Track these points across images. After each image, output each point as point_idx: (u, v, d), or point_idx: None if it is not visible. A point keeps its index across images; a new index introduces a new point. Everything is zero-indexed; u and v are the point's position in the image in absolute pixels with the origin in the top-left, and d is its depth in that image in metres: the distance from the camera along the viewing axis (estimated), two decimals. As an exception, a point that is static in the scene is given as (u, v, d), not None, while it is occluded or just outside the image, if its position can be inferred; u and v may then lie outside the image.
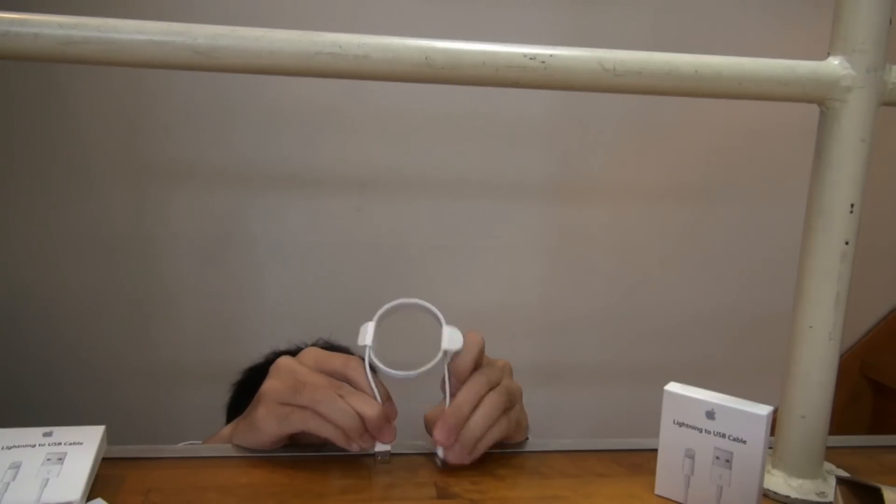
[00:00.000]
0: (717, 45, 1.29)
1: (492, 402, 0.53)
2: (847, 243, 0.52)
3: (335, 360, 0.54)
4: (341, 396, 0.51)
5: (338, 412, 0.50)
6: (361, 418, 0.51)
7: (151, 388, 1.26)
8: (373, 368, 0.54)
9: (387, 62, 0.48)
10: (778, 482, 0.54)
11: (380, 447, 0.53)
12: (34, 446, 0.50)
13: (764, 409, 0.48)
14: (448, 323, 0.54)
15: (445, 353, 0.53)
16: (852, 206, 0.52)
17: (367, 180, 1.27)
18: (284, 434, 0.54)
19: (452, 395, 0.53)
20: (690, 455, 0.50)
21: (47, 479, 0.47)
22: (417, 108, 1.26)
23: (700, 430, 0.49)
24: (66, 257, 1.22)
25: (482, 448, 0.53)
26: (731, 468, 0.48)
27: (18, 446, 0.49)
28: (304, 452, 0.58)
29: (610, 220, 1.36)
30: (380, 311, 0.55)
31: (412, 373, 0.53)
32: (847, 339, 1.47)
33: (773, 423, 0.50)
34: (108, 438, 0.53)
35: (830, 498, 0.53)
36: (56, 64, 1.12)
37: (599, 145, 1.32)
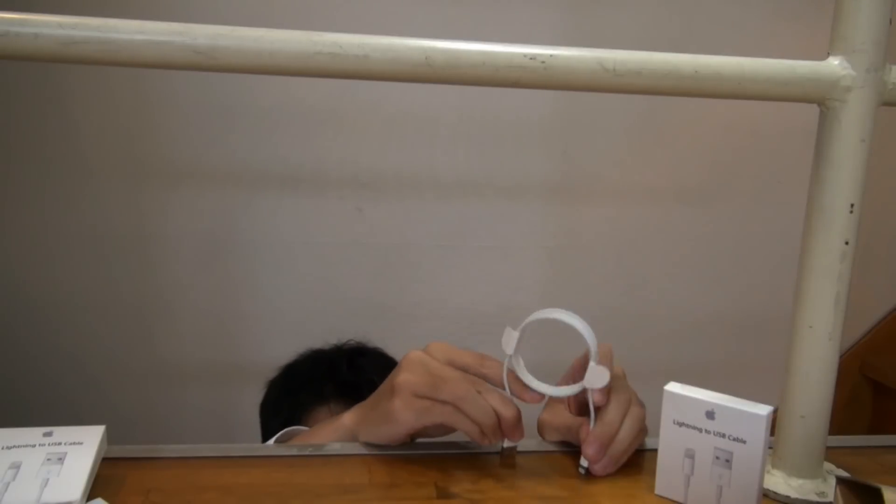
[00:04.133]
0: (717, 45, 1.29)
1: (634, 418, 0.55)
2: (847, 243, 0.52)
3: (467, 357, 0.56)
4: (480, 393, 0.53)
5: (479, 410, 0.52)
6: (498, 417, 0.53)
7: (151, 388, 1.26)
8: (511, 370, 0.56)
9: (387, 62, 0.48)
10: (778, 482, 0.54)
11: (508, 443, 0.57)
12: (34, 446, 0.50)
13: (764, 409, 0.48)
14: (595, 355, 0.54)
15: (590, 391, 0.54)
16: (852, 206, 0.52)
17: (367, 180, 1.27)
18: (421, 426, 0.55)
19: (597, 412, 0.54)
20: (690, 455, 0.50)
21: (47, 479, 0.47)
22: (417, 108, 1.26)
23: (700, 430, 0.49)
24: (65, 258, 1.22)
25: (625, 458, 0.56)
26: (731, 468, 0.48)
27: (18, 446, 0.49)
28: (304, 452, 0.58)
29: (610, 220, 1.36)
30: (526, 321, 0.55)
31: (549, 389, 0.55)
32: (847, 339, 1.47)
33: (773, 423, 0.50)
34: (108, 438, 0.53)
35: (830, 498, 0.53)
36: (56, 64, 1.12)
37: (599, 145, 1.32)
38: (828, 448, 0.55)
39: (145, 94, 1.20)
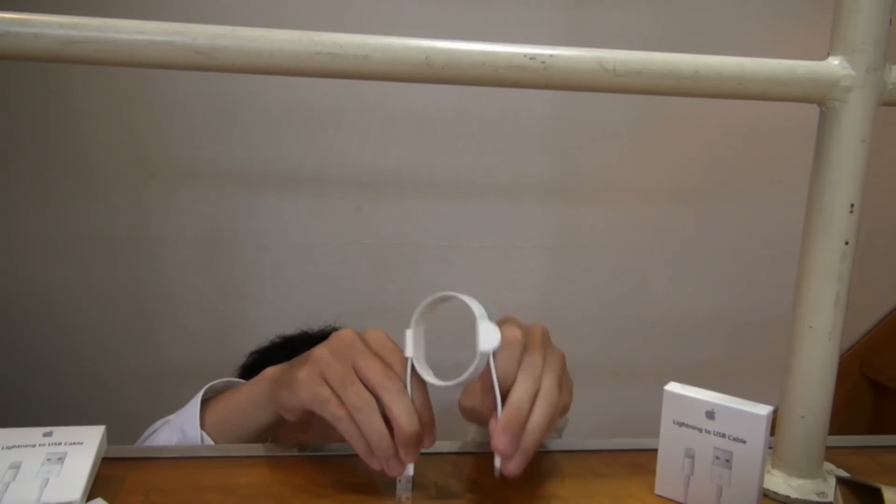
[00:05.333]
0: (718, 45, 1.29)
1: (547, 396, 0.49)
2: (847, 243, 0.52)
3: (397, 357, 0.51)
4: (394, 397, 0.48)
5: (372, 427, 0.47)
6: (393, 437, 0.48)
7: (151, 388, 1.26)
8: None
9: (387, 62, 0.48)
10: (778, 482, 0.54)
11: (406, 470, 0.49)
12: (34, 446, 0.50)
13: (764, 409, 0.48)
14: (483, 317, 0.49)
15: (483, 354, 0.48)
16: (852, 206, 0.52)
17: (367, 180, 1.27)
18: (312, 412, 0.52)
19: (503, 396, 0.48)
20: (690, 455, 0.50)
21: (47, 479, 0.47)
22: (418, 108, 1.26)
23: (700, 430, 0.49)
24: (66, 257, 1.22)
25: (538, 444, 0.49)
26: (731, 468, 0.48)
27: (18, 446, 0.49)
28: (304, 452, 0.58)
29: (610, 220, 1.36)
30: (415, 314, 0.51)
31: (451, 382, 0.49)
32: (847, 339, 1.47)
33: (773, 423, 0.50)
34: (109, 438, 0.53)
35: (830, 498, 0.53)
36: (56, 64, 1.12)
37: (599, 145, 1.32)
38: (828, 448, 0.55)
39: (146, 94, 1.20)
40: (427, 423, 0.49)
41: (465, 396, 0.56)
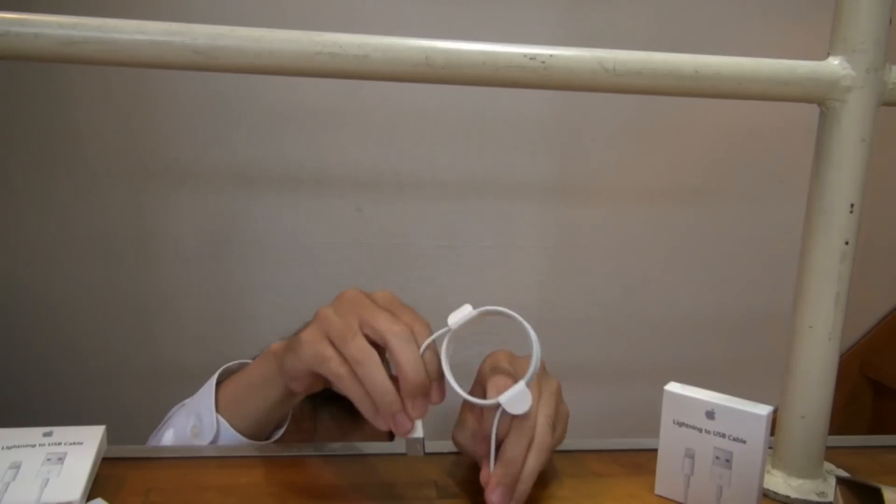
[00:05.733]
0: (717, 45, 1.29)
1: (540, 446, 0.48)
2: (847, 243, 0.52)
3: (406, 313, 0.50)
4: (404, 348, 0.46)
5: (375, 382, 0.45)
6: (398, 386, 0.46)
7: (152, 388, 1.26)
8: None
9: (387, 62, 0.48)
10: (778, 482, 0.54)
11: (414, 433, 0.47)
12: (34, 446, 0.50)
13: (764, 409, 0.48)
14: (527, 377, 0.46)
15: (502, 409, 0.46)
16: (852, 206, 0.52)
17: (367, 180, 1.27)
18: (314, 373, 0.50)
19: (497, 445, 0.47)
20: (690, 455, 0.50)
21: (47, 479, 0.47)
22: (417, 108, 1.26)
23: (700, 430, 0.49)
24: (67, 257, 1.22)
25: (530, 490, 0.49)
26: (731, 468, 0.48)
27: (18, 446, 0.49)
28: (304, 452, 0.58)
29: (610, 220, 1.36)
30: (490, 308, 0.48)
31: (464, 394, 0.48)
32: (847, 339, 1.47)
33: (773, 423, 0.50)
34: (109, 438, 0.53)
35: (830, 498, 0.53)
36: (54, 64, 1.12)
37: (599, 145, 1.32)
38: (828, 448, 0.55)
39: (146, 94, 1.20)
40: (434, 376, 0.47)
41: (459, 430, 0.53)
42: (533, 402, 0.48)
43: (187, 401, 0.64)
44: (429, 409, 0.49)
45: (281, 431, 0.60)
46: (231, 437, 0.57)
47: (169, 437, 0.61)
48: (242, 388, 0.59)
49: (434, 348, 0.48)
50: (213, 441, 0.58)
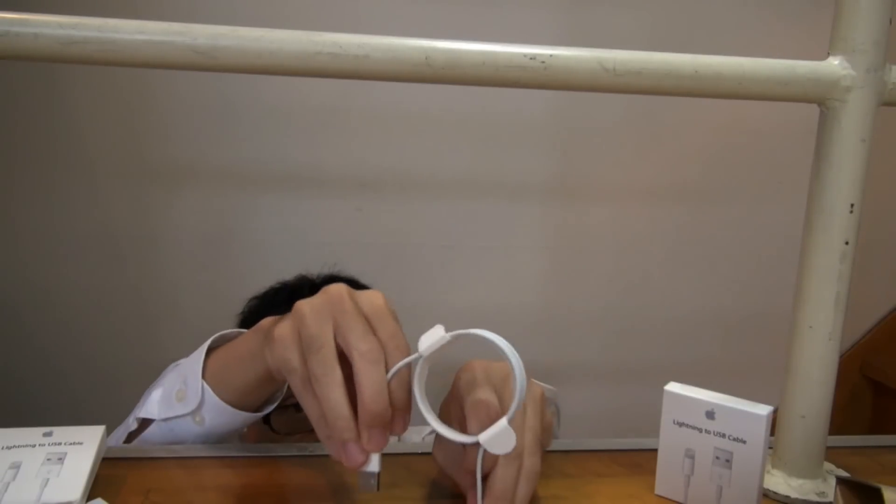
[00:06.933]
0: (717, 45, 1.29)
1: (529, 472, 0.45)
2: (847, 243, 0.52)
3: (386, 325, 0.44)
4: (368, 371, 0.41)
5: (329, 403, 0.41)
6: (355, 413, 0.41)
7: (152, 388, 1.26)
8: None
9: (387, 62, 0.48)
10: (778, 482, 0.54)
11: (367, 467, 0.42)
12: (34, 446, 0.50)
13: (764, 409, 0.48)
14: (509, 414, 0.42)
15: (482, 443, 0.42)
16: (852, 206, 0.52)
17: (368, 180, 1.27)
18: (278, 373, 0.47)
19: (484, 479, 0.43)
20: (690, 455, 0.50)
21: (47, 479, 0.47)
22: (417, 108, 1.26)
23: (700, 430, 0.49)
24: (69, 257, 1.22)
25: None
26: (731, 468, 0.48)
27: (18, 446, 0.49)
28: (304, 452, 0.58)
29: (610, 219, 1.36)
30: (464, 332, 0.42)
31: (438, 424, 0.43)
32: (847, 339, 1.47)
33: (773, 423, 0.50)
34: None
35: (830, 498, 0.53)
36: (57, 64, 1.12)
37: (599, 145, 1.32)
38: (828, 448, 0.55)
39: (148, 94, 1.20)
40: (400, 407, 0.42)
41: (440, 451, 0.48)
42: (520, 423, 0.45)
43: (182, 361, 0.62)
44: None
45: (272, 406, 0.58)
46: (215, 404, 0.56)
47: (156, 396, 0.59)
48: (230, 360, 0.57)
49: (404, 375, 0.43)
50: (198, 407, 0.56)
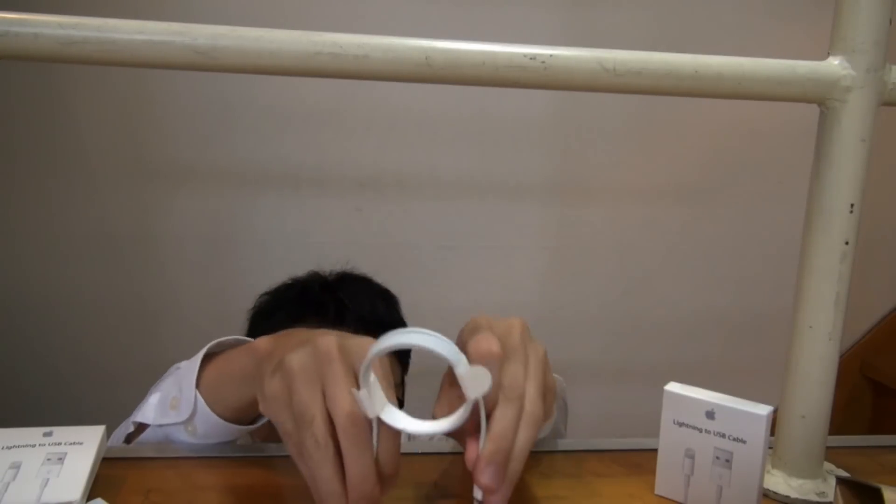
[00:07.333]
0: (718, 45, 1.29)
1: (531, 417, 0.44)
2: (847, 243, 0.52)
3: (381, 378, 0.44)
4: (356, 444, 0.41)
5: (320, 481, 0.41)
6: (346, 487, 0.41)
7: (152, 388, 1.26)
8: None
9: (387, 62, 0.48)
10: (778, 482, 0.54)
11: None
12: (34, 446, 0.50)
13: (764, 409, 0.48)
14: (460, 363, 0.42)
15: (473, 401, 0.42)
16: (852, 206, 0.52)
17: (367, 180, 1.27)
18: (252, 398, 0.47)
19: (487, 426, 0.43)
20: (690, 455, 0.50)
21: (47, 479, 0.47)
22: (417, 108, 1.26)
23: (700, 430, 0.49)
24: (69, 257, 1.22)
25: (522, 467, 0.45)
26: (731, 468, 0.48)
27: (18, 446, 0.49)
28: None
29: (610, 219, 1.36)
30: (364, 365, 0.41)
31: (432, 430, 0.43)
32: (847, 339, 1.47)
33: (773, 423, 0.50)
34: (109, 438, 0.53)
35: (830, 498, 0.53)
36: (56, 64, 1.12)
37: (599, 145, 1.32)
38: (828, 448, 0.55)
39: (147, 94, 1.20)
40: (389, 476, 0.43)
41: (441, 406, 0.48)
42: (521, 370, 0.45)
43: (183, 364, 0.61)
44: (419, 397, 0.44)
45: (266, 419, 0.57)
46: (207, 416, 0.55)
47: (154, 400, 0.59)
48: (224, 377, 0.56)
49: (394, 440, 0.43)
50: (190, 417, 0.55)
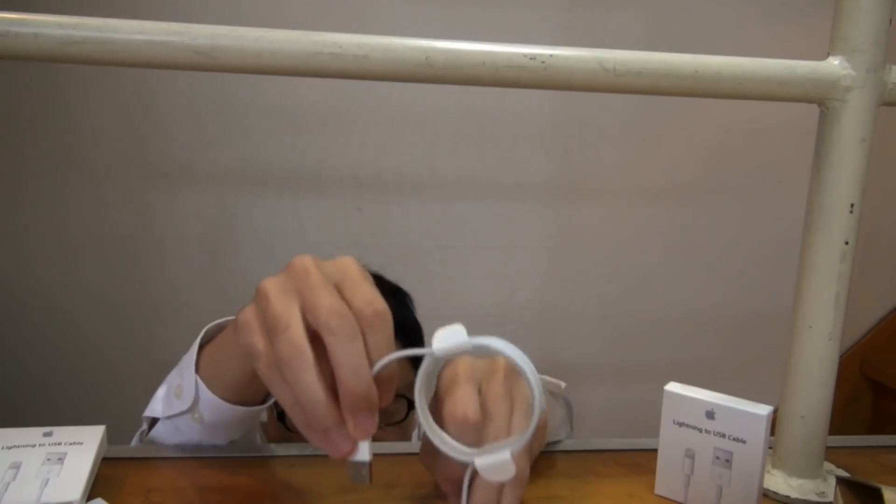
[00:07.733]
0: (718, 45, 1.29)
1: (519, 478, 0.41)
2: (847, 243, 0.52)
3: (361, 292, 0.39)
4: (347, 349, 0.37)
5: (301, 387, 0.36)
6: (336, 394, 0.37)
7: (153, 388, 1.26)
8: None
9: (387, 62, 0.48)
10: (778, 482, 0.54)
11: (356, 456, 0.38)
12: (34, 446, 0.50)
13: (764, 409, 0.48)
14: (514, 444, 0.39)
15: (478, 470, 0.39)
16: (852, 206, 0.52)
17: (367, 180, 1.27)
18: (248, 370, 0.44)
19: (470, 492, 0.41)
20: (690, 455, 0.50)
21: (47, 479, 0.47)
22: (417, 108, 1.26)
23: (700, 430, 0.49)
24: (69, 257, 1.22)
25: None
26: (731, 468, 0.48)
27: (18, 446, 0.49)
28: (304, 452, 0.58)
29: (610, 219, 1.36)
30: (483, 341, 0.38)
31: (443, 444, 0.40)
32: (847, 339, 1.47)
33: (774, 423, 0.50)
34: (109, 438, 0.53)
35: (830, 498, 0.53)
36: (56, 64, 1.12)
37: (599, 145, 1.32)
38: (828, 448, 0.55)
39: (148, 94, 1.20)
40: (384, 379, 0.38)
41: (426, 453, 0.44)
42: (503, 433, 0.41)
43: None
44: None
45: (273, 398, 0.55)
46: (210, 400, 0.53)
47: (161, 393, 0.58)
48: (218, 355, 0.54)
49: (382, 338, 0.38)
50: (194, 404, 0.54)
